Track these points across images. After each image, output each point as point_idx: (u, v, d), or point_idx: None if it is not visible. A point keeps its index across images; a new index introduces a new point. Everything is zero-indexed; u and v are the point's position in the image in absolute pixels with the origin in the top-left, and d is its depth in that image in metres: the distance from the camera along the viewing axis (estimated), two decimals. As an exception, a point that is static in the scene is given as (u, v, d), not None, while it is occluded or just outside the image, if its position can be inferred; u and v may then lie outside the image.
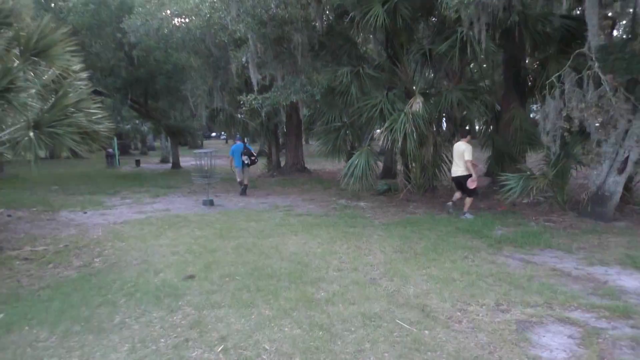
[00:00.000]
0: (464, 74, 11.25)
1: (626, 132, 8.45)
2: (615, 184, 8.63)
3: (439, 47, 9.56)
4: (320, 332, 4.23)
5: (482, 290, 5.29)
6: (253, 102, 11.18)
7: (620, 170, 8.59)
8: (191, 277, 5.86)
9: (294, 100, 11.40)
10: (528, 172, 9.17)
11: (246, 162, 13.25)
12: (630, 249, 6.88)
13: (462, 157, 9.17)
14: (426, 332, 4.21)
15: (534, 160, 11.89)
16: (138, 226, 9.10)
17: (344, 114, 11.93)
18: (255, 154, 13.61)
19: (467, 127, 11.81)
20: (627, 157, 8.50)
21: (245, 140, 15.46)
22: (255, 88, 11.52)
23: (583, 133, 8.54)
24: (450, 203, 9.86)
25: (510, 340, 4.01)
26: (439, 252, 6.87)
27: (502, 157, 12.16)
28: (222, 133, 54.33)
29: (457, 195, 9.79)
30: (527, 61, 12.35)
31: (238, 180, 13.73)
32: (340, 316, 4.57)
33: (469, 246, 7.25)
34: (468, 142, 9.29)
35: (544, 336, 4.12)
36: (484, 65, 13.85)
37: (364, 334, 4.17)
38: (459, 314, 4.62)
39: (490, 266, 6.25)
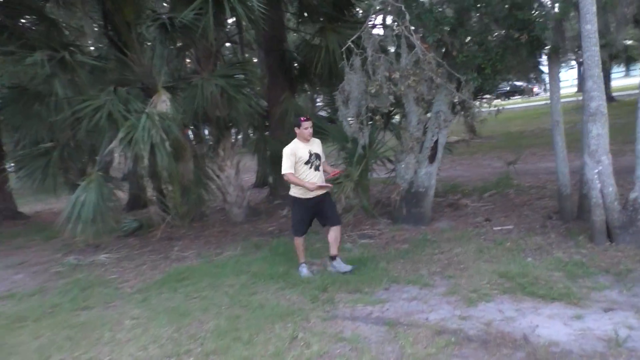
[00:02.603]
0: (220, 54, 8.44)
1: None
2: (429, 176, 6.96)
3: (182, 15, 6.52)
4: None
5: None
6: None
7: (432, 158, 6.96)
8: None
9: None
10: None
11: None
12: (491, 263, 5.04)
13: None
14: None
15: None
16: None
17: (53, 128, 7.91)
18: None
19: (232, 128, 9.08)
20: (437, 141, 6.90)
21: None
22: None
23: (387, 115, 6.66)
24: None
25: None
26: (247, 340, 3.88)
27: (279, 163, 9.79)
28: None
29: (330, 240, 5.44)
30: (287, 42, 10.27)
31: None
32: None
33: (287, 309, 4.46)
34: (301, 136, 5.25)
35: None
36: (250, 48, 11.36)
37: None
38: None
39: (341, 348, 3.56)
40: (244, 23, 6.69)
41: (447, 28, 5.84)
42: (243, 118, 8.32)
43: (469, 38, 6.08)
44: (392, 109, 7.44)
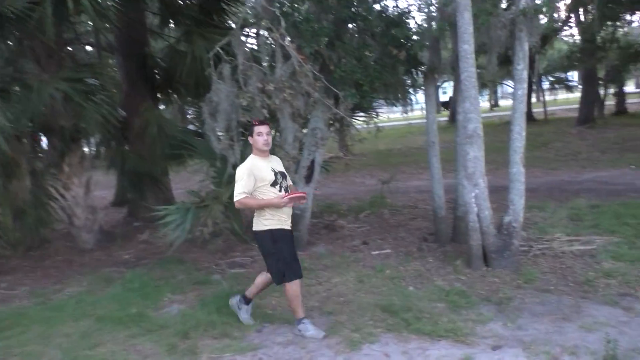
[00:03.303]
0: (70, 55, 7.20)
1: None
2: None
3: (10, 1, 5.35)
4: None
5: None
6: None
7: (308, 178, 6.51)
8: None
9: None
10: (197, 199, 6.08)
11: None
12: (372, 294, 4.66)
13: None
14: None
15: (185, 178, 8.95)
16: None
17: None
18: None
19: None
20: (313, 160, 6.48)
21: None
22: None
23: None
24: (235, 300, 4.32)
25: None
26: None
27: (139, 180, 8.76)
28: None
29: (257, 281, 4.22)
30: (150, 46, 9.28)
31: None
32: None
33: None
34: (255, 147, 3.93)
35: None
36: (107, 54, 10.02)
37: None
38: None
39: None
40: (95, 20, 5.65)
41: (324, 39, 5.44)
42: (94, 129, 7.20)
43: (346, 52, 5.75)
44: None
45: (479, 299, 4.28)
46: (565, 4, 19.83)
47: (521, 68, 4.85)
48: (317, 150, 6.43)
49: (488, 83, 29.43)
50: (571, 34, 26.54)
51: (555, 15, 20.60)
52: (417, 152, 17.23)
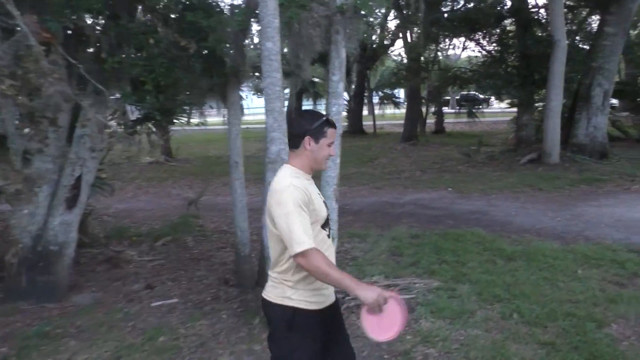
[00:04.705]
0: None
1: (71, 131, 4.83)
2: (66, 228, 4.83)
3: None
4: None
5: None
6: None
7: (72, 202, 4.86)
8: None
9: None
10: None
11: None
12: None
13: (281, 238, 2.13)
14: None
15: None
16: None
17: None
18: None
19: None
20: (80, 177, 4.86)
21: None
22: None
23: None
24: None
25: None
26: None
27: None
28: None
29: None
30: None
31: None
32: None
33: None
34: (314, 159, 2.21)
35: None
36: None
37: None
38: None
39: None
40: None
41: (86, 15, 3.91)
42: None
43: (123, 38, 4.28)
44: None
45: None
46: (391, 26, 20.62)
47: (337, 79, 3.89)
48: (85, 165, 4.83)
49: (324, 94, 29.73)
50: (399, 53, 28.05)
51: (385, 32, 21.33)
52: (247, 162, 16.12)
